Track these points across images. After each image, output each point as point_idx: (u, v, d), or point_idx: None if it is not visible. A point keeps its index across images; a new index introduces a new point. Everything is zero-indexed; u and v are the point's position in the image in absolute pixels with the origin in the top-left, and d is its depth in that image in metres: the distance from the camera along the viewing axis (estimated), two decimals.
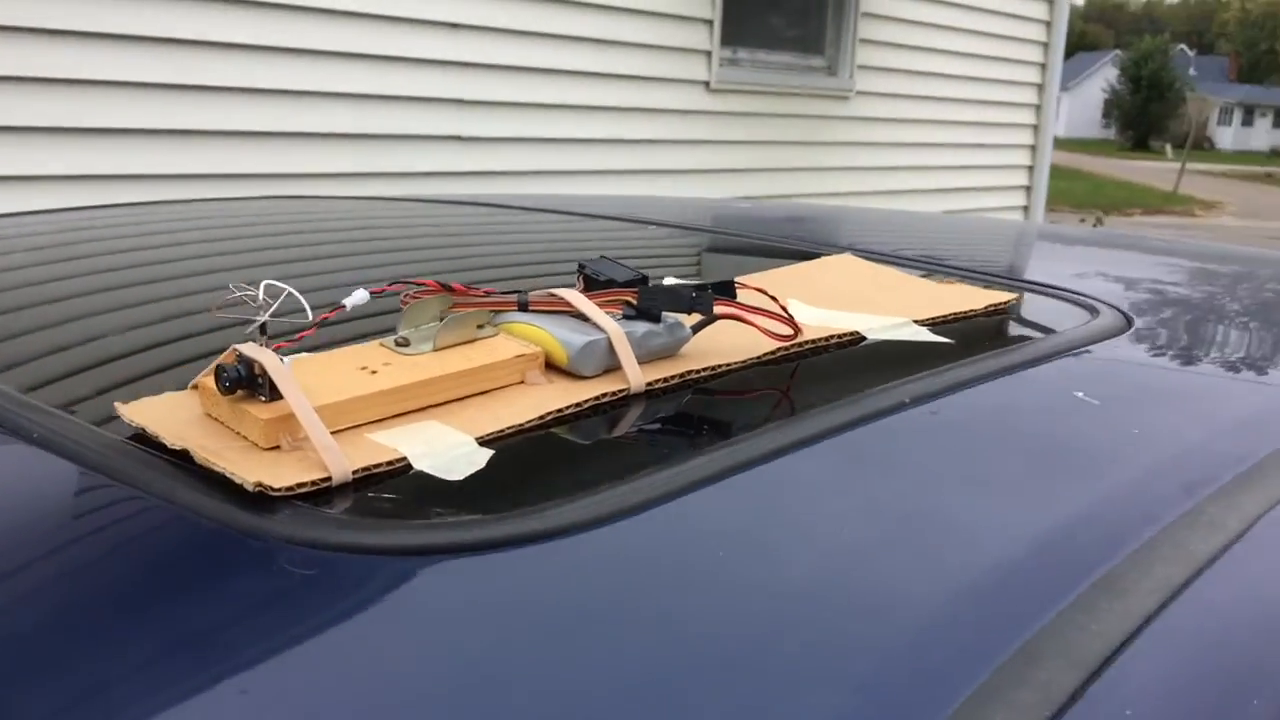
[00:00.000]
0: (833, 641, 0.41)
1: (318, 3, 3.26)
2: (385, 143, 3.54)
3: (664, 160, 4.49)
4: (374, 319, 0.73)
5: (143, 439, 0.54)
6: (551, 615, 0.42)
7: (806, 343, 0.71)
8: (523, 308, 0.66)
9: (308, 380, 0.54)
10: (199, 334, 0.76)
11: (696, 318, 0.69)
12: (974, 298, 0.86)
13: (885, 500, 0.53)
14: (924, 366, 0.69)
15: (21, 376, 0.66)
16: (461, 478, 0.51)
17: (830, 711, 0.37)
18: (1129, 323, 0.82)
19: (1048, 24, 6.50)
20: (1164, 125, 37.57)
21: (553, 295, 0.66)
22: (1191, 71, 41.81)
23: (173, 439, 0.52)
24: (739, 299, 0.68)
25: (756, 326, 0.68)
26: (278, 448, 0.52)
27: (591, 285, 0.69)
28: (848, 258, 0.99)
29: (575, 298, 0.66)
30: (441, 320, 0.65)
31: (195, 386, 0.58)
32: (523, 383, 0.62)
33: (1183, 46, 48.56)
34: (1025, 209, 6.71)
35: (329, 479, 0.49)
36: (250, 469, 0.49)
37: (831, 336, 0.74)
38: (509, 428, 0.57)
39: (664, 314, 0.66)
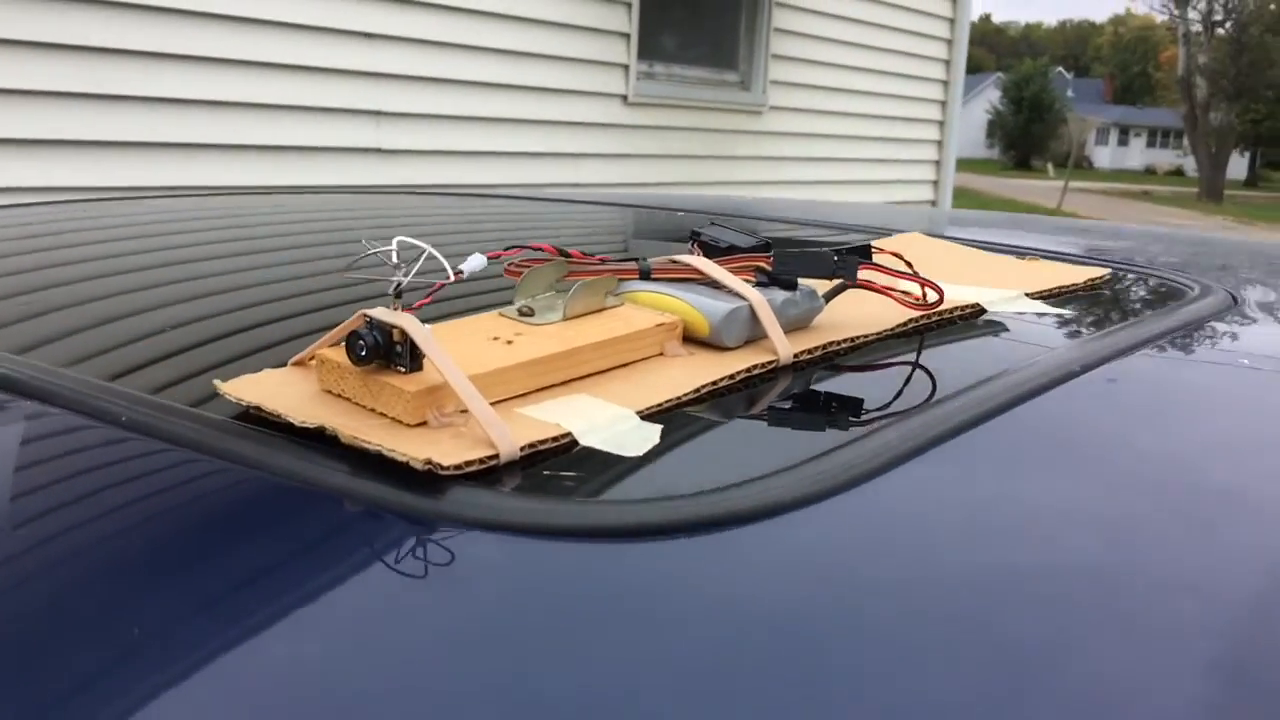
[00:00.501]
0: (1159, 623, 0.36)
1: (228, 9, 3.10)
2: (304, 155, 3.39)
3: (584, 173, 4.43)
4: (465, 289, 0.65)
5: (250, 418, 0.45)
6: (792, 606, 0.35)
7: (934, 314, 0.66)
8: (645, 275, 0.59)
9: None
10: (263, 323, 0.66)
11: (826, 286, 0.62)
12: (1068, 273, 0.81)
13: (1146, 472, 0.48)
14: (1057, 339, 0.64)
15: (101, 365, 0.57)
16: (638, 454, 0.44)
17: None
18: (1235, 300, 0.79)
19: (949, 42, 6.64)
20: (1045, 145, 38.80)
21: (676, 262, 0.59)
22: (1070, 93, 43.25)
23: (302, 417, 0.43)
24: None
25: (894, 295, 0.62)
26: (424, 424, 0.44)
27: (710, 253, 0.62)
28: (917, 235, 0.93)
29: (705, 264, 0.59)
30: (557, 289, 0.58)
31: (305, 360, 0.49)
32: (662, 355, 0.55)
33: (1060, 69, 50.29)
34: None
35: (496, 456, 0.42)
36: (412, 446, 0.41)
37: (955, 308, 0.68)
38: (667, 401, 0.49)
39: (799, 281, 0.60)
